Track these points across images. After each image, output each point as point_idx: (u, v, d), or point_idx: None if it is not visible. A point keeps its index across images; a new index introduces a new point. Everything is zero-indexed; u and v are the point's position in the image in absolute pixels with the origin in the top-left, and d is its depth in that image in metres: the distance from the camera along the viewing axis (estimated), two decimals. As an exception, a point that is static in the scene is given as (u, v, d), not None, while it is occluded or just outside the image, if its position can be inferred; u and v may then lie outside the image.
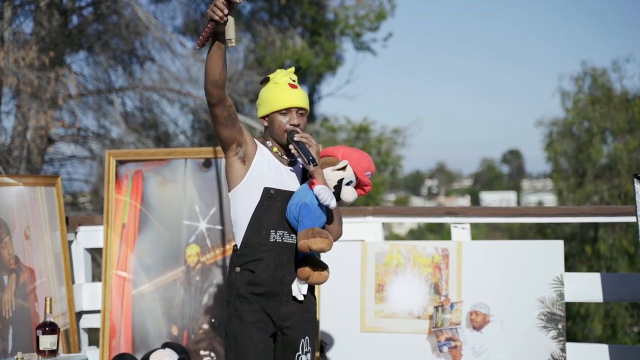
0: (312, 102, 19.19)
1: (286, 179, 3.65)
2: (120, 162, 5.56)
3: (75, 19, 13.99)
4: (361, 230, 5.38)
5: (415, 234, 42.53)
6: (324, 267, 3.63)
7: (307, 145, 3.55)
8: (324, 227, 3.62)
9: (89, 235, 5.65)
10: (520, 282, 5.09)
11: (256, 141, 3.64)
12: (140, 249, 5.47)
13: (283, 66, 16.97)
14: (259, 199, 3.55)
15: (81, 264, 5.65)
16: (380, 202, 17.46)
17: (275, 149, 3.67)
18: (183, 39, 15.84)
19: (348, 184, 3.69)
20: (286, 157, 3.70)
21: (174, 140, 15.57)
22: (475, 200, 70.12)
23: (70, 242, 5.59)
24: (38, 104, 11.86)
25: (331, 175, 3.63)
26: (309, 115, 19.34)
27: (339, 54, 17.74)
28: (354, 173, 3.69)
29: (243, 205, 3.57)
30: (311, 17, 16.81)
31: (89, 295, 5.60)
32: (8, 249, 4.87)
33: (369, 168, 3.75)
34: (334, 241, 3.63)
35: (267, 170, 3.57)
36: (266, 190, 3.55)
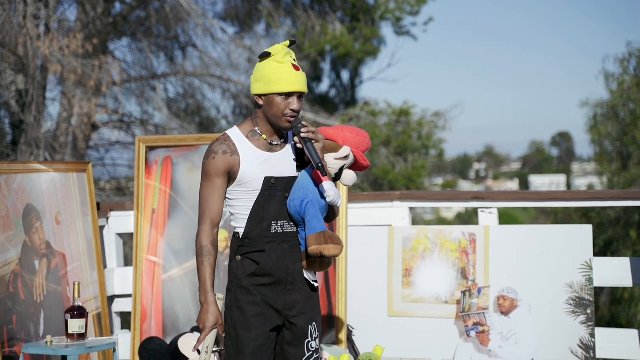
0: (353, 87, 19.14)
1: (282, 166, 3.53)
2: (150, 148, 5.60)
3: (118, 6, 14.11)
4: (388, 215, 5.36)
5: (464, 218, 42.29)
6: (338, 241, 3.55)
7: (313, 143, 3.41)
8: (325, 218, 3.59)
9: (120, 221, 5.71)
10: (548, 267, 5.03)
11: (234, 143, 3.47)
12: (170, 234, 5.51)
13: (323, 53, 16.94)
14: (259, 191, 3.47)
15: (113, 249, 5.71)
16: (421, 187, 17.35)
17: (264, 137, 3.52)
18: (224, 24, 15.92)
19: (347, 167, 3.64)
20: (276, 142, 3.55)
21: (217, 126, 15.65)
22: (524, 184, 69.51)
23: (102, 228, 5.65)
24: (82, 91, 12.00)
25: (333, 163, 3.55)
26: (350, 99, 19.35)
27: (379, 40, 17.65)
28: (355, 158, 3.63)
29: (242, 197, 3.49)
30: (351, 3, 16.75)
31: (120, 279, 5.66)
32: (39, 234, 4.94)
33: (367, 148, 3.70)
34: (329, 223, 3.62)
35: (257, 172, 3.47)
36: (267, 180, 3.45)
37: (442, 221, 33.76)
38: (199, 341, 3.48)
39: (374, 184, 16.68)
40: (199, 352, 3.54)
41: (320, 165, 3.34)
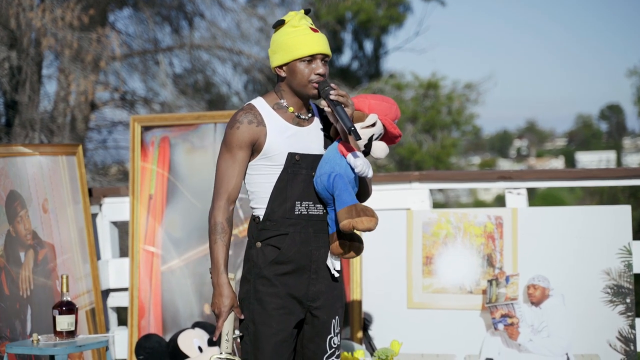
0: (377, 58, 19.05)
1: (308, 142, 3.52)
2: (145, 128, 5.60)
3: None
4: (406, 198, 5.34)
5: (502, 200, 42.14)
6: (359, 240, 3.57)
7: (343, 107, 3.41)
8: (357, 196, 3.56)
9: (115, 208, 5.73)
10: (583, 252, 5.00)
11: (260, 113, 3.47)
12: (169, 222, 5.52)
13: (343, 21, 16.86)
14: (282, 167, 3.47)
15: (107, 239, 5.73)
16: (452, 167, 17.27)
17: (291, 109, 3.52)
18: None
19: (377, 138, 3.60)
20: (304, 116, 3.55)
21: (228, 103, 15.64)
22: (571, 162, 69.14)
23: (94, 216, 5.67)
24: (79, 67, 12.01)
25: (360, 133, 3.53)
26: (374, 72, 19.27)
27: (405, 5, 17.53)
28: (383, 126, 3.60)
29: (264, 174, 3.48)
30: (373, -35, 16.65)
31: (115, 272, 5.68)
32: (24, 224, 4.96)
33: (396, 116, 3.66)
34: (364, 202, 3.58)
35: (283, 146, 3.47)
36: (290, 156, 3.44)
37: (479, 204, 33.60)
38: (217, 329, 3.46)
39: (400, 164, 16.63)
40: (213, 343, 3.51)
41: (352, 128, 3.34)
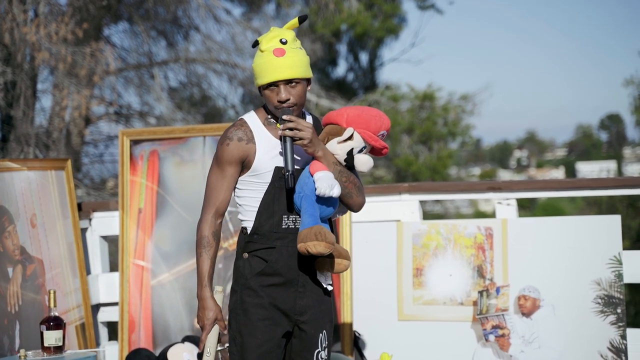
0: (372, 69, 19.05)
1: (296, 157, 3.48)
2: (134, 142, 5.61)
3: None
4: (396, 210, 5.34)
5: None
6: (345, 255, 3.55)
7: (295, 143, 3.38)
8: (331, 216, 3.56)
9: (104, 222, 5.72)
10: (573, 263, 5.00)
11: (250, 130, 3.47)
12: (159, 236, 5.52)
13: (338, 33, 16.86)
14: (269, 181, 3.47)
15: (96, 253, 5.73)
16: (448, 178, 17.25)
17: (279, 125, 3.47)
18: (230, 5, 15.92)
19: (360, 151, 3.57)
20: None
21: (225, 116, 15.65)
22: (571, 172, 69.10)
23: (84, 230, 5.66)
24: (75, 81, 12.02)
25: (337, 148, 3.51)
26: (370, 84, 19.24)
27: (400, 17, 17.55)
28: (363, 139, 3.57)
29: (253, 188, 3.49)
30: (369, -23, 16.68)
31: (105, 286, 5.68)
32: (12, 239, 4.95)
33: (380, 127, 3.57)
34: (358, 211, 3.61)
35: (272, 164, 3.47)
36: (277, 170, 3.45)
37: (479, 215, 33.55)
38: (201, 342, 3.48)
39: (397, 175, 16.63)
40: (200, 356, 3.52)
41: (288, 173, 3.35)
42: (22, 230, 5.03)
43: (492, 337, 5.02)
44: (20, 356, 4.36)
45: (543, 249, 5.05)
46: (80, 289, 5.39)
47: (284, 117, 3.39)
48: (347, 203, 3.59)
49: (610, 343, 4.88)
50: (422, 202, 5.41)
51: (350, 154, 3.53)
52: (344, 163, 3.53)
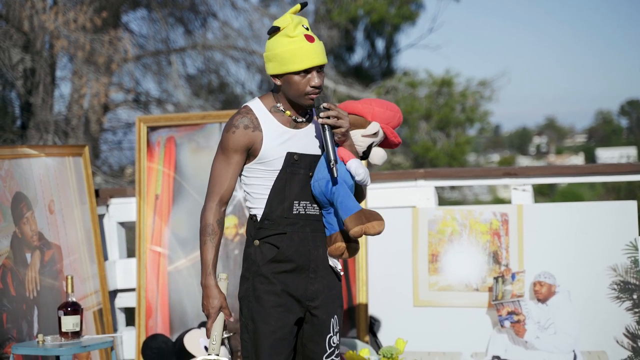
0: (389, 56, 19.01)
1: (306, 143, 3.51)
2: (151, 129, 5.63)
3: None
4: (412, 196, 5.34)
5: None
6: (355, 241, 3.55)
7: (333, 131, 3.38)
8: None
9: (121, 208, 5.76)
10: (589, 248, 4.99)
11: (256, 117, 3.44)
12: (176, 222, 5.54)
13: (355, 20, 16.84)
14: (278, 171, 3.46)
15: (114, 239, 5.76)
16: (466, 164, 17.20)
17: (288, 113, 3.49)
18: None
19: (375, 145, 3.62)
20: (301, 119, 3.52)
21: (242, 103, 15.66)
22: (591, 158, 68.78)
23: (101, 216, 5.70)
24: (93, 69, 12.07)
25: (360, 140, 3.53)
26: (387, 70, 19.22)
27: (417, 3, 17.50)
28: (385, 134, 3.61)
29: (261, 176, 3.48)
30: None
31: (123, 272, 5.71)
32: (30, 225, 4.99)
33: (398, 124, 3.68)
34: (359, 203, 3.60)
35: (279, 151, 3.46)
36: (289, 156, 3.44)
37: (498, 202, 33.49)
38: (207, 330, 3.48)
39: (414, 162, 16.61)
40: (206, 348, 3.53)
41: (332, 164, 3.34)
42: (40, 216, 5.07)
43: (507, 323, 5.02)
44: (38, 341, 4.39)
45: (559, 234, 5.05)
46: (98, 274, 5.43)
47: (324, 105, 3.37)
48: (361, 194, 3.62)
49: (626, 329, 4.88)
50: (439, 189, 5.41)
51: (370, 146, 3.56)
52: (361, 155, 3.56)
